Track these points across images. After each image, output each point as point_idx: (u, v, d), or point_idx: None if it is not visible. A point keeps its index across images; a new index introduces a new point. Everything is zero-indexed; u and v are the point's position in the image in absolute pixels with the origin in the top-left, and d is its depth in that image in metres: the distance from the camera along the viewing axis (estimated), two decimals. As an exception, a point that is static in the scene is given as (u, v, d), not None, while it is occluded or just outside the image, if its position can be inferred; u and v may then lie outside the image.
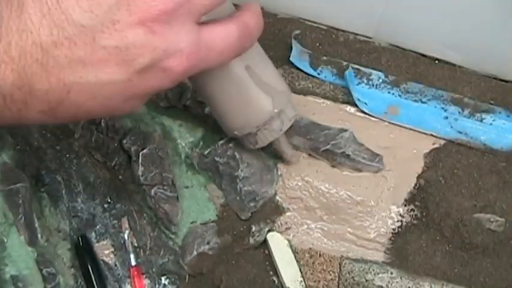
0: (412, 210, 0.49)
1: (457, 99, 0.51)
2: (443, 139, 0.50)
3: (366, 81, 0.52)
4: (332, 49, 0.53)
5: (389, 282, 0.47)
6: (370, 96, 0.51)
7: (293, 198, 0.49)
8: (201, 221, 0.50)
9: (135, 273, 0.49)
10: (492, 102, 0.52)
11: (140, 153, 0.49)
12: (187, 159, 0.50)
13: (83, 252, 0.49)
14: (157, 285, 0.50)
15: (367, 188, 0.49)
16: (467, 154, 0.50)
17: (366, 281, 0.47)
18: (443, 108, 0.51)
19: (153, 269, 0.50)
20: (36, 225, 0.49)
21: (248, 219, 0.49)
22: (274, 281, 0.49)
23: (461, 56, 0.52)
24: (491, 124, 0.51)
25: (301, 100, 0.51)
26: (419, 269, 0.48)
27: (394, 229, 0.49)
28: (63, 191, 0.50)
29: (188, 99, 0.50)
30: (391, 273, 0.48)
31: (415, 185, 0.49)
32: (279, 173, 0.49)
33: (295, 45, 0.52)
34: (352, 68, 0.52)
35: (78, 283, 0.49)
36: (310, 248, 0.49)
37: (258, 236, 0.49)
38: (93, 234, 0.50)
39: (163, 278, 0.50)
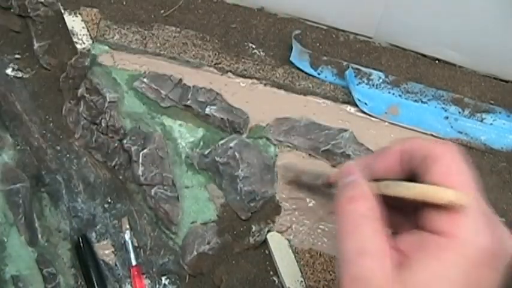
0: (412, 210, 0.49)
1: (457, 99, 0.51)
2: (444, 139, 0.50)
3: (366, 81, 0.52)
4: (332, 49, 0.53)
5: (389, 282, 0.47)
6: (370, 96, 0.51)
7: (293, 199, 0.49)
8: (201, 221, 0.50)
9: (136, 273, 0.49)
10: (492, 102, 0.52)
11: (140, 153, 0.49)
12: (187, 159, 0.50)
13: (83, 252, 0.49)
14: (157, 285, 0.50)
15: (367, 188, 0.49)
16: (467, 154, 0.50)
17: (366, 281, 0.47)
18: (443, 108, 0.51)
19: (154, 269, 0.50)
20: (37, 225, 0.49)
21: (248, 219, 0.49)
22: (275, 281, 0.49)
23: (462, 56, 0.52)
24: (491, 124, 0.51)
25: (301, 100, 0.51)
26: (420, 269, 0.48)
27: (394, 229, 0.49)
28: (64, 191, 0.50)
29: (188, 99, 0.50)
30: (391, 273, 0.48)
31: (415, 185, 0.49)
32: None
33: (296, 45, 0.52)
34: (353, 68, 0.52)
35: (79, 283, 0.49)
36: (310, 248, 0.49)
37: (258, 236, 0.49)
38: (94, 234, 0.50)
39: (163, 278, 0.50)
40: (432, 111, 0.51)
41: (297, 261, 0.49)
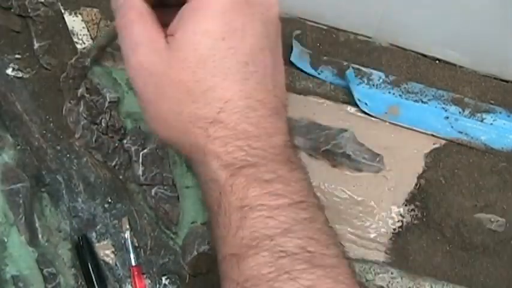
0: (413, 210, 0.49)
1: (458, 99, 0.51)
2: (444, 139, 0.50)
3: (366, 81, 0.52)
4: (332, 49, 0.53)
5: (389, 282, 0.47)
6: (370, 96, 0.51)
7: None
8: (202, 221, 0.50)
9: (136, 273, 0.49)
10: (492, 102, 0.52)
11: (141, 153, 0.49)
12: (187, 160, 0.50)
13: (84, 252, 0.49)
14: (157, 285, 0.50)
15: (367, 188, 0.49)
16: (467, 154, 0.50)
17: (367, 280, 0.47)
18: (443, 108, 0.51)
19: (154, 269, 0.50)
20: (37, 225, 0.49)
21: (248, 219, 0.49)
22: (275, 281, 0.49)
23: (462, 56, 0.52)
24: (491, 124, 0.51)
25: (301, 100, 0.51)
26: (420, 269, 0.48)
27: (394, 229, 0.49)
28: (64, 191, 0.50)
29: (189, 99, 0.50)
30: (392, 273, 0.48)
31: (416, 185, 0.49)
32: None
33: (296, 45, 0.52)
34: (353, 68, 0.52)
35: (79, 283, 0.49)
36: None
37: (258, 236, 0.49)
38: (94, 234, 0.50)
39: (163, 278, 0.50)
40: (432, 111, 0.51)
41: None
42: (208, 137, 0.31)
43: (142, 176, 0.49)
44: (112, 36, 0.45)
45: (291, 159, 0.33)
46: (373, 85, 0.52)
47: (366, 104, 0.50)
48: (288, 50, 0.52)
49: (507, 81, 0.53)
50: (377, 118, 0.51)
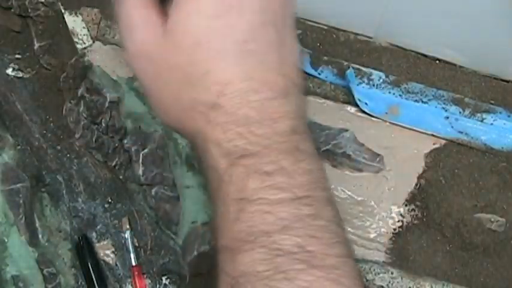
0: (413, 210, 0.49)
1: (458, 99, 0.51)
2: (444, 139, 0.50)
3: (366, 81, 0.52)
4: (333, 49, 0.53)
5: (389, 282, 0.47)
6: (370, 96, 0.51)
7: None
8: (202, 220, 0.50)
9: (136, 273, 0.49)
10: (493, 102, 0.52)
11: (141, 153, 0.49)
12: (188, 159, 0.50)
13: (84, 252, 0.49)
14: (158, 285, 0.50)
15: (367, 188, 0.49)
16: (467, 154, 0.50)
17: (367, 281, 0.47)
18: (443, 108, 0.51)
19: (154, 269, 0.50)
20: (37, 225, 0.49)
21: (249, 219, 0.49)
22: (275, 281, 0.49)
23: (462, 56, 0.52)
24: (491, 124, 0.51)
25: (301, 100, 0.51)
26: (420, 269, 0.48)
27: (394, 229, 0.49)
28: (64, 191, 0.50)
29: (189, 99, 0.50)
30: (392, 273, 0.48)
31: (416, 185, 0.49)
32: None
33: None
34: (353, 68, 0.52)
35: (79, 283, 0.49)
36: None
37: (258, 236, 0.49)
38: (94, 234, 0.50)
39: (164, 278, 0.50)
40: (432, 111, 0.51)
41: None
42: (209, 123, 0.30)
43: (142, 176, 0.49)
44: None
45: (299, 147, 0.30)
46: (373, 85, 0.52)
47: (366, 104, 0.50)
48: (288, 50, 0.52)
49: (507, 81, 0.53)
50: (377, 118, 0.51)
